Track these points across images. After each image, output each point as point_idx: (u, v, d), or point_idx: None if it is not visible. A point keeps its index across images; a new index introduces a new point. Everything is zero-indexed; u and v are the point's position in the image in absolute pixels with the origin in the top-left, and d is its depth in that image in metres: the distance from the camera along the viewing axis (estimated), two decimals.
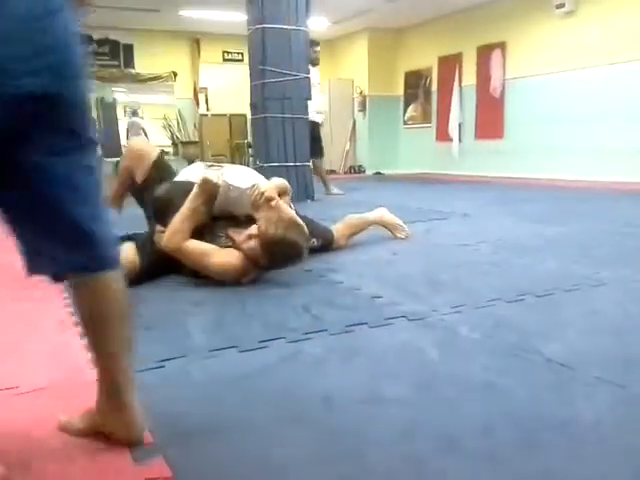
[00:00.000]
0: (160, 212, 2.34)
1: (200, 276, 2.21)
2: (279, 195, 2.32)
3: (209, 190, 2.29)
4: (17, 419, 1.18)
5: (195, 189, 2.28)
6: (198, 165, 2.65)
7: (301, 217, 2.54)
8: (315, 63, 6.40)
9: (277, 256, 2.14)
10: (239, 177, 2.44)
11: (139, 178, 2.56)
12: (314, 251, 2.53)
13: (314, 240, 2.56)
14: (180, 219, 2.22)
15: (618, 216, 3.97)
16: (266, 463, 0.99)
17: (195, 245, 2.20)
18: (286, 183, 2.54)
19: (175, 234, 2.19)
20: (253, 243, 2.14)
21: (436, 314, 1.78)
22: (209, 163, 2.64)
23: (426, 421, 1.12)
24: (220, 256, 2.18)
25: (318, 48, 6.44)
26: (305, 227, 2.22)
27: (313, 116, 5.80)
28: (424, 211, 4.39)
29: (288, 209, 2.26)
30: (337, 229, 2.91)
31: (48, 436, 1.10)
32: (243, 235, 2.18)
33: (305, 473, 0.96)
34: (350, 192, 6.22)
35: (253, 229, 2.17)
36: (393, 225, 3.17)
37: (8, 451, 1.04)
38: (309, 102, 5.56)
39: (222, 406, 1.21)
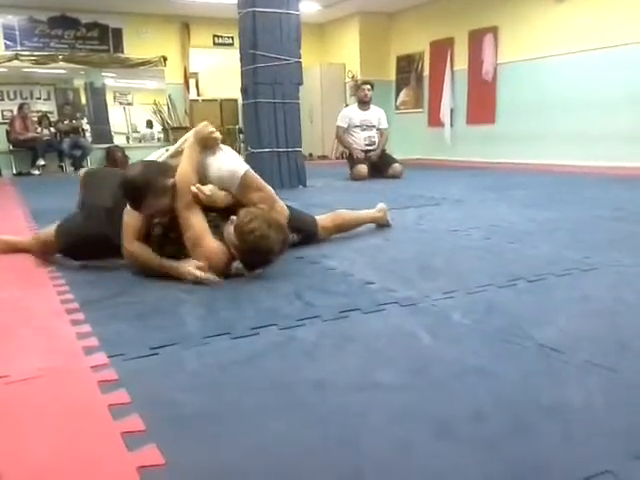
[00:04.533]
0: (136, 195, 2.10)
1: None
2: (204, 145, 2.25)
3: (205, 138, 2.22)
4: (7, 408, 1.17)
5: (191, 139, 2.22)
6: (160, 151, 2.52)
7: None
8: (365, 100, 6.28)
9: (247, 254, 2.03)
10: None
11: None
12: (293, 245, 2.43)
13: (293, 235, 2.42)
14: (189, 171, 2.15)
15: (609, 201, 3.98)
16: (259, 449, 0.99)
17: (200, 219, 2.12)
18: (205, 126, 2.31)
19: (187, 174, 2.14)
20: (231, 230, 2.05)
21: (428, 300, 1.79)
22: (168, 148, 2.51)
23: (419, 406, 1.13)
24: (211, 242, 2.09)
25: (369, 86, 6.28)
26: (286, 232, 2.12)
27: None
28: (416, 197, 4.38)
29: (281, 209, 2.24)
30: (322, 220, 2.73)
31: (39, 425, 1.09)
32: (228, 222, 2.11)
33: (298, 459, 0.96)
34: (341, 178, 6.20)
35: (233, 218, 2.09)
36: (386, 222, 3.06)
37: (0, 440, 1.03)
38: None
39: (215, 392, 1.21)
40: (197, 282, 2.02)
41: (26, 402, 1.19)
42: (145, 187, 2.06)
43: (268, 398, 1.18)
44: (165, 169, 2.19)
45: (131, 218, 2.13)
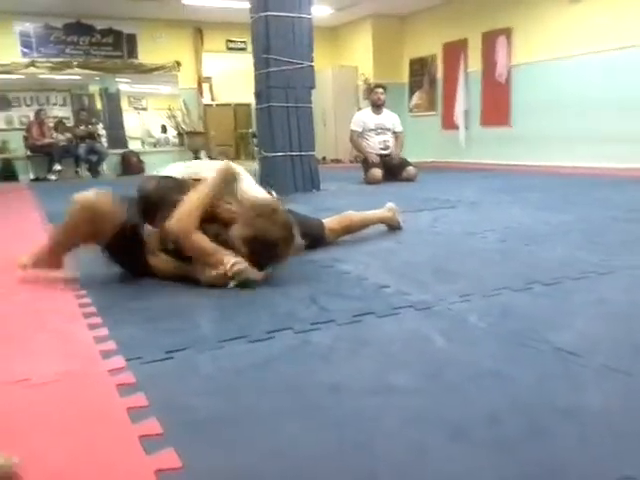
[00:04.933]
0: (151, 209, 2.11)
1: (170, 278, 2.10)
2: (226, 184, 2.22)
3: (230, 177, 2.18)
4: (28, 411, 1.19)
5: (215, 175, 2.16)
6: (178, 164, 2.48)
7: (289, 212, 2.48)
8: (378, 104, 6.31)
9: (253, 245, 1.99)
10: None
11: (99, 241, 2.15)
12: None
13: (301, 241, 2.40)
14: (192, 205, 2.04)
15: (624, 202, 3.94)
16: (275, 453, 0.99)
17: (202, 238, 2.04)
18: (230, 167, 2.26)
19: (188, 217, 2.01)
20: (237, 227, 2.02)
21: (443, 303, 1.78)
22: (188, 163, 2.51)
23: (434, 410, 1.13)
24: (221, 255, 2.02)
25: (382, 90, 6.31)
26: (291, 227, 2.07)
27: None
28: (430, 200, 4.37)
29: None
30: (329, 223, 2.71)
31: (58, 428, 1.11)
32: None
33: (314, 462, 0.97)
34: (355, 181, 6.21)
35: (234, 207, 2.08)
36: (397, 224, 3.04)
37: (20, 443, 1.05)
38: None
39: (231, 396, 1.22)
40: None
41: (45, 405, 1.21)
42: (160, 202, 2.06)
43: (283, 402, 1.18)
44: (180, 186, 2.17)
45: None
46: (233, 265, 1.96)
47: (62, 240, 2.20)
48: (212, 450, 1.01)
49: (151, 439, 1.04)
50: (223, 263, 1.97)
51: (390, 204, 3.06)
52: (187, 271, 2.08)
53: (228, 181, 2.18)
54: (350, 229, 2.80)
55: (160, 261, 2.13)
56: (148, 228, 2.12)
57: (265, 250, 2.02)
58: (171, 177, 2.30)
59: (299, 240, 2.08)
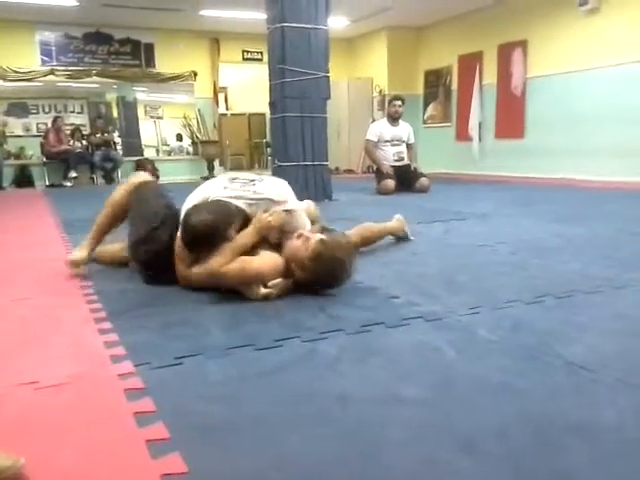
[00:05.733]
0: (201, 240, 2.04)
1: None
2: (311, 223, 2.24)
3: (265, 232, 2.09)
4: (36, 414, 1.19)
5: (251, 228, 2.07)
6: (221, 179, 2.33)
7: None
8: (396, 117, 6.34)
9: (322, 272, 1.98)
10: (279, 192, 2.22)
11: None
12: None
13: None
14: (229, 252, 1.99)
15: (639, 217, 3.91)
16: (281, 460, 0.99)
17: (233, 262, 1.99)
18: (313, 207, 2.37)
19: (224, 260, 1.98)
20: (300, 243, 1.99)
21: (454, 315, 1.77)
22: (232, 175, 2.34)
23: (443, 422, 1.11)
24: (261, 259, 2.02)
25: (400, 102, 6.33)
26: (355, 258, 2.07)
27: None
28: (443, 211, 4.36)
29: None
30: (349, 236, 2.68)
31: (67, 431, 1.11)
32: (293, 235, 2.05)
33: (320, 471, 0.96)
34: (367, 192, 6.21)
35: (306, 232, 2.04)
36: (405, 235, 3.07)
37: (27, 445, 1.05)
38: None
39: (238, 403, 1.22)
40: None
41: (54, 408, 1.21)
42: (209, 237, 2.01)
43: (290, 410, 1.18)
44: (232, 219, 2.10)
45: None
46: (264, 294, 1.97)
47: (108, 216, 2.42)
48: (218, 456, 1.00)
49: (158, 444, 1.04)
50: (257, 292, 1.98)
51: (398, 215, 3.11)
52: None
53: (263, 233, 2.08)
54: (369, 240, 2.82)
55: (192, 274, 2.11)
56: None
57: (332, 280, 2.03)
58: (226, 206, 2.14)
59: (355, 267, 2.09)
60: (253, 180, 2.24)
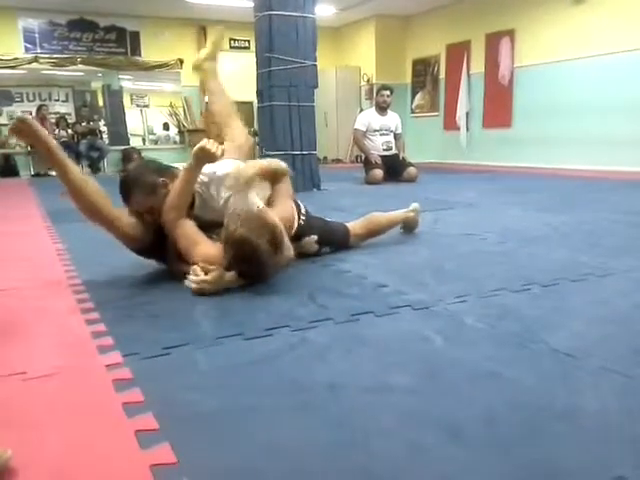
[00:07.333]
0: (124, 187, 2.15)
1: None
2: (271, 181, 2.19)
3: (206, 159, 2.08)
4: (24, 405, 1.19)
5: (190, 161, 2.09)
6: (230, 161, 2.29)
7: (314, 219, 2.43)
8: (384, 106, 6.31)
9: (234, 257, 1.92)
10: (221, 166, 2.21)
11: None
12: (316, 255, 2.43)
13: (326, 248, 2.45)
14: (176, 194, 2.08)
15: (626, 205, 3.94)
16: (271, 449, 0.99)
17: (189, 227, 2.08)
18: (278, 165, 2.26)
19: (173, 209, 2.08)
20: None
21: (441, 303, 1.78)
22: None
23: (431, 409, 1.12)
24: (205, 246, 2.03)
25: (388, 92, 6.30)
26: (281, 236, 1.94)
27: None
28: (431, 201, 4.36)
29: (270, 213, 1.99)
30: (354, 228, 2.62)
31: (54, 422, 1.11)
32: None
33: (310, 460, 0.97)
34: (355, 181, 6.20)
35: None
36: (416, 225, 2.93)
37: (14, 436, 1.05)
38: None
39: (227, 393, 1.22)
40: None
41: (41, 399, 1.21)
42: (133, 182, 2.13)
43: (280, 399, 1.18)
44: (161, 169, 2.22)
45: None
46: (196, 282, 1.93)
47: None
48: (207, 446, 1.01)
49: (147, 434, 1.04)
50: (194, 274, 1.94)
51: (415, 204, 2.92)
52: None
53: (204, 161, 2.10)
54: (375, 232, 2.72)
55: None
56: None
57: (249, 267, 1.95)
58: (155, 161, 2.35)
59: (289, 253, 2.00)
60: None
